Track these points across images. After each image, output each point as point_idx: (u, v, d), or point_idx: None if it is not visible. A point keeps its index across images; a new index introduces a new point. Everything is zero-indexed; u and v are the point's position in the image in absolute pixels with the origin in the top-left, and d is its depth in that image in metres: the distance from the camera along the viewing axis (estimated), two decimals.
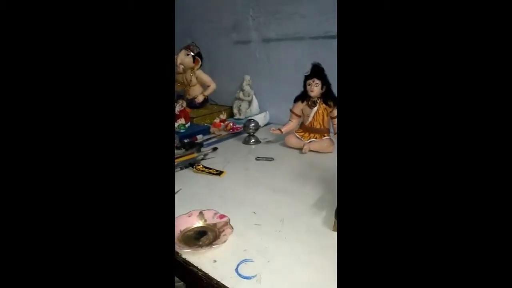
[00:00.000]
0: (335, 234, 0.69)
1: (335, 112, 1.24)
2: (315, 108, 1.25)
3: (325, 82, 1.22)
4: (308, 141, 1.25)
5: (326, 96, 1.23)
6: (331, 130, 1.29)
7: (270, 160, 1.15)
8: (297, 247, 0.65)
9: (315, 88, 1.21)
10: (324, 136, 1.26)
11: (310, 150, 1.24)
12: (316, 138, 1.26)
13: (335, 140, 1.25)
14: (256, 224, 0.73)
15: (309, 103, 1.26)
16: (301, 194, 0.88)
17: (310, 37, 1.53)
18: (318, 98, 1.24)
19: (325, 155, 1.22)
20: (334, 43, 1.47)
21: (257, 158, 1.17)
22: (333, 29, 1.46)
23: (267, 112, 1.75)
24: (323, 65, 1.25)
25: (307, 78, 1.23)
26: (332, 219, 0.70)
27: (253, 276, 0.56)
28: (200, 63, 1.72)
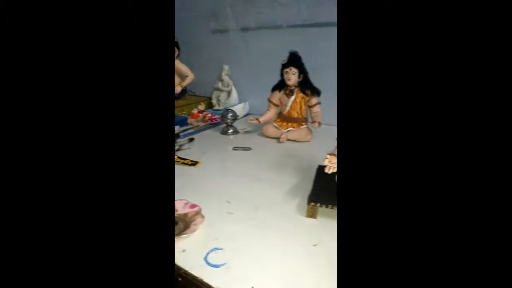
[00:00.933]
0: (307, 220, 0.69)
1: (312, 101, 1.24)
2: (293, 97, 1.24)
3: (302, 71, 1.21)
4: (286, 131, 1.24)
5: (303, 85, 1.22)
6: (309, 119, 1.29)
7: (248, 150, 1.14)
8: (269, 234, 0.64)
9: (292, 77, 1.20)
10: (302, 125, 1.26)
11: (288, 139, 1.23)
12: (294, 127, 1.25)
13: (313, 129, 1.25)
14: (229, 213, 0.72)
15: (287, 92, 1.25)
16: (277, 183, 0.87)
17: (289, 26, 1.51)
18: (295, 87, 1.23)
19: (303, 144, 1.22)
20: (312, 31, 1.46)
21: (234, 148, 1.15)
22: (311, 17, 1.45)
23: (247, 102, 1.73)
24: (302, 54, 1.24)
25: (284, 66, 1.22)
26: (305, 206, 0.70)
27: (222, 264, 0.55)
28: (177, 53, 1.68)
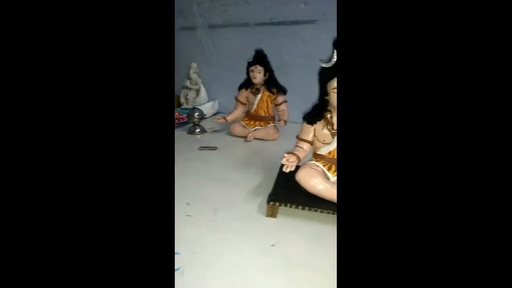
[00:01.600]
0: (267, 219, 0.68)
1: (279, 99, 1.24)
2: (259, 96, 1.23)
3: (267, 69, 1.20)
4: (253, 129, 1.23)
5: (269, 83, 1.22)
6: (276, 117, 1.29)
7: (214, 150, 1.12)
8: (228, 236, 0.63)
9: (258, 75, 1.19)
10: (269, 123, 1.25)
11: (255, 138, 1.23)
12: (261, 126, 1.25)
13: (280, 127, 1.26)
14: (188, 216, 0.70)
15: (253, 90, 1.24)
16: (240, 182, 0.86)
17: (256, 24, 1.50)
18: (261, 85, 1.23)
19: (269, 142, 1.21)
20: (279, 29, 1.46)
21: (200, 148, 1.13)
22: (278, 15, 1.45)
23: (216, 101, 1.71)
24: (269, 52, 1.24)
25: (249, 65, 1.21)
26: (266, 205, 0.69)
27: (177, 269, 0.53)
28: None
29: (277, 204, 0.68)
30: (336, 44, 0.65)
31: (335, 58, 0.64)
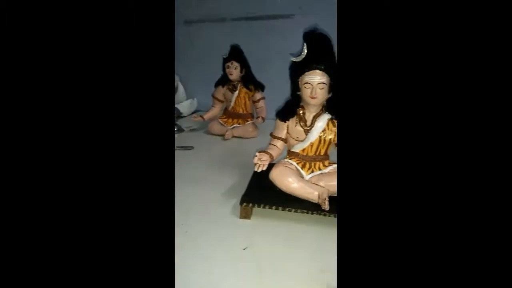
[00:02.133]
0: (241, 221, 0.66)
1: (256, 96, 1.21)
2: (236, 92, 1.20)
3: (244, 65, 1.17)
4: (231, 127, 1.20)
5: (246, 80, 1.19)
6: (255, 114, 1.26)
7: (190, 149, 1.09)
8: (199, 240, 0.60)
9: (234, 71, 1.16)
10: (248, 121, 1.23)
11: (234, 136, 1.20)
12: (239, 124, 1.22)
13: (258, 125, 1.23)
14: None
15: (230, 87, 1.21)
16: (215, 183, 0.83)
17: (233, 19, 1.47)
18: (238, 81, 1.20)
19: (248, 140, 1.19)
20: (256, 24, 1.43)
21: (175, 148, 1.09)
22: (255, 10, 1.42)
23: (195, 98, 1.66)
24: (247, 48, 1.21)
25: (225, 61, 1.17)
26: (239, 207, 0.67)
27: None
28: None
29: (251, 205, 0.65)
30: (306, 37, 0.63)
31: (305, 52, 0.62)
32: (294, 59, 0.64)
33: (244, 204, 0.65)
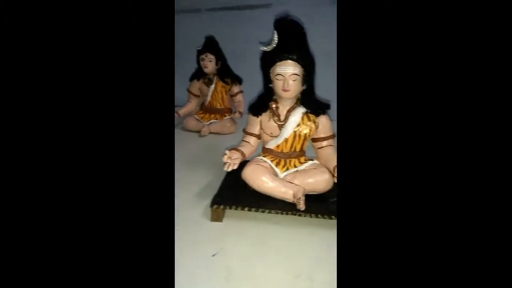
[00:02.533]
0: (212, 224, 0.61)
1: (234, 90, 1.16)
2: (212, 86, 1.15)
3: (219, 57, 1.12)
4: (208, 123, 1.15)
5: (222, 72, 1.13)
6: (234, 109, 1.21)
7: None
8: None
9: (209, 64, 1.10)
10: (225, 116, 1.18)
11: (211, 132, 1.14)
12: (216, 119, 1.17)
13: (237, 120, 1.18)
14: None
15: (205, 80, 1.15)
16: (188, 183, 0.78)
17: (208, 9, 1.40)
18: (214, 74, 1.14)
19: (226, 136, 1.14)
20: (232, 15, 1.37)
21: None
22: (231, 0, 1.36)
23: None
24: (223, 39, 1.15)
25: (199, 53, 1.11)
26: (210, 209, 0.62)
27: None
28: None
29: (222, 207, 0.61)
30: (277, 25, 0.58)
31: (276, 41, 0.57)
32: (264, 48, 0.59)
33: (215, 206, 0.61)
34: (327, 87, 1.22)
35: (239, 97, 1.17)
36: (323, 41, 1.36)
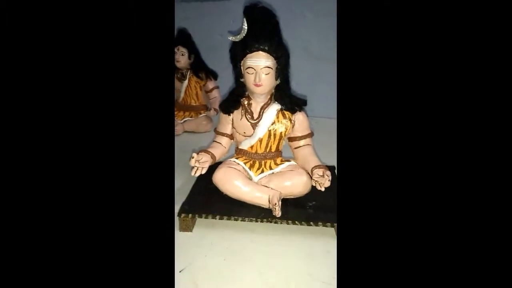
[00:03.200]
0: (181, 235, 0.55)
1: (209, 85, 1.09)
2: (186, 82, 1.08)
3: (192, 51, 1.05)
4: (181, 121, 1.08)
5: (195, 67, 1.06)
6: (209, 106, 1.14)
7: None
8: None
9: (181, 58, 1.03)
10: (201, 113, 1.11)
11: (185, 131, 1.08)
12: (191, 117, 1.10)
13: (213, 117, 1.12)
14: None
15: (178, 76, 1.08)
16: None
17: (181, 0, 1.32)
18: (187, 69, 1.07)
19: (201, 135, 1.07)
20: (207, 6, 1.30)
21: None
22: None
23: None
24: (198, 32, 1.08)
25: None
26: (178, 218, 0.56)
27: None
28: None
29: (190, 216, 0.55)
30: (247, 12, 0.52)
31: (245, 29, 0.51)
32: (232, 38, 0.53)
33: (183, 215, 0.55)
34: (304, 82, 1.18)
35: (214, 93, 1.10)
36: (300, 35, 1.32)
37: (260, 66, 0.52)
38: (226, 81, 1.13)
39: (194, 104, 1.11)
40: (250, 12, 0.52)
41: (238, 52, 0.53)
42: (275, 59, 0.53)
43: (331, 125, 1.14)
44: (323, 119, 1.21)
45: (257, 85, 0.53)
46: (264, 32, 0.51)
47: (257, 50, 0.51)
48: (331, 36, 1.33)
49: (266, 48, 0.51)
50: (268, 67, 0.52)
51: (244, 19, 0.52)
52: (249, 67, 0.52)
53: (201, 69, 1.07)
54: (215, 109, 1.09)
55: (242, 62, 0.54)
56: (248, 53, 0.52)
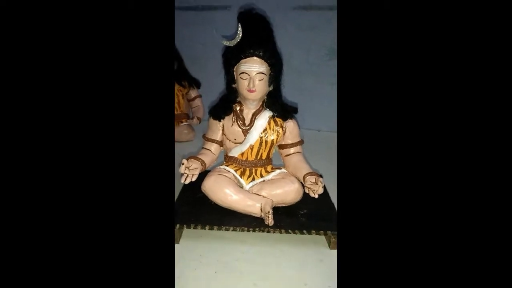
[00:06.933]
0: None
1: (191, 94, 1.07)
2: None
3: (175, 58, 1.03)
4: None
5: (178, 75, 1.04)
6: (191, 114, 1.12)
7: None
8: None
9: None
10: (182, 122, 1.08)
11: None
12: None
13: (195, 126, 1.09)
14: None
15: None
16: None
17: None
18: None
19: (183, 144, 1.04)
20: (190, 15, 1.29)
21: None
22: (189, 0, 1.28)
23: None
24: (181, 41, 1.06)
25: None
26: None
27: None
28: None
29: (178, 226, 0.52)
30: (242, 18, 0.52)
31: (240, 35, 0.51)
32: (227, 43, 0.52)
33: None
34: (285, 95, 1.20)
35: (197, 102, 1.08)
36: (281, 48, 1.35)
37: (254, 72, 0.51)
38: (208, 90, 1.12)
39: (176, 112, 1.08)
40: (245, 18, 0.52)
41: (232, 57, 0.53)
42: (269, 65, 0.52)
43: (312, 136, 1.16)
44: (303, 130, 1.22)
45: (250, 91, 0.52)
46: (259, 38, 0.51)
47: (252, 56, 0.51)
48: (312, 50, 1.38)
49: (261, 53, 0.51)
50: (262, 73, 0.52)
51: (239, 25, 0.51)
52: (243, 72, 0.52)
53: (183, 77, 1.05)
54: (198, 118, 1.06)
55: (235, 67, 0.53)
56: (242, 58, 0.51)
